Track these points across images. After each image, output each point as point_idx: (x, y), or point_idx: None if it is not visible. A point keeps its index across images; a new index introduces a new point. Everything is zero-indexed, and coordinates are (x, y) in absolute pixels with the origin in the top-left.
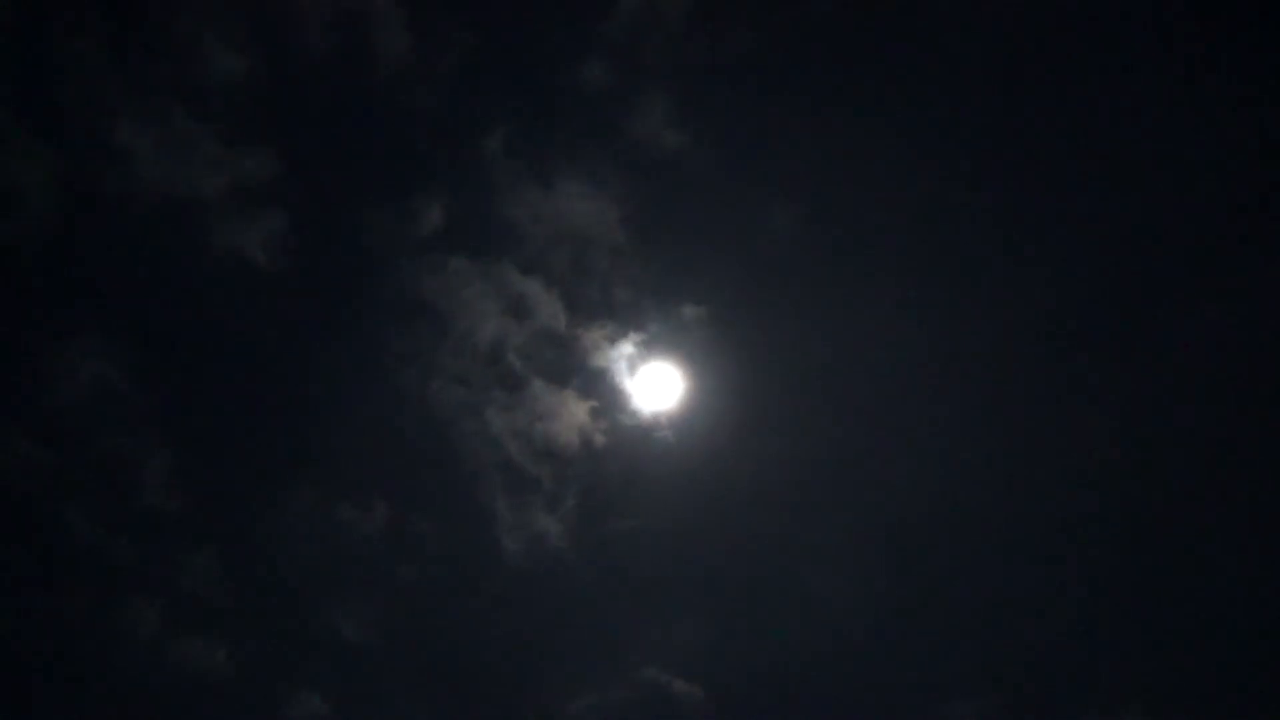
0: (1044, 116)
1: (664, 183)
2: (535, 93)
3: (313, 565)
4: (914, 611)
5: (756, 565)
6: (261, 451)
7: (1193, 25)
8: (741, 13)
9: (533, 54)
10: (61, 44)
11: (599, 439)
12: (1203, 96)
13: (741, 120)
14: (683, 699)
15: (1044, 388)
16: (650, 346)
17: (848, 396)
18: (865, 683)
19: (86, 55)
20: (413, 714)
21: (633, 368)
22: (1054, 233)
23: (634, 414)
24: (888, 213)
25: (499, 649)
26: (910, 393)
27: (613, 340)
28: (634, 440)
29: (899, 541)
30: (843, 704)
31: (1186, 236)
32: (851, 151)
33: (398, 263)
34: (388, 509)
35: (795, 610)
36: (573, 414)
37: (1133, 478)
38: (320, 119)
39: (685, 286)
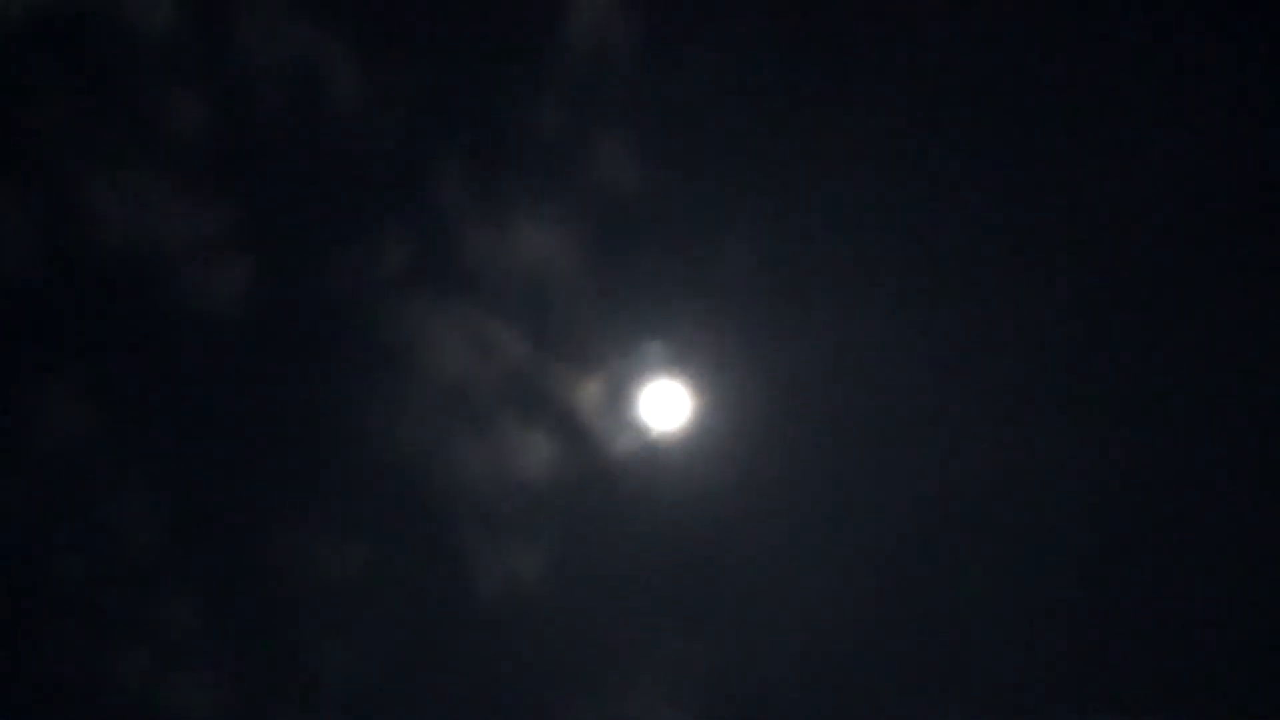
0: (1023, 134)
1: (624, 221)
2: (490, 135)
3: (294, 606)
4: (916, 634)
5: (741, 595)
6: (238, 495)
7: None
8: (693, 52)
9: (486, 97)
10: (25, 100)
11: (571, 474)
12: (1203, 113)
13: (699, 158)
14: None
15: (1045, 403)
16: (619, 382)
17: (825, 422)
18: (865, 709)
19: (47, 111)
20: None
21: (601, 403)
22: (1041, 248)
23: (606, 449)
24: (854, 247)
25: (481, 686)
26: (892, 433)
27: (579, 376)
28: (607, 474)
29: (896, 562)
30: None
31: (1186, 257)
32: (816, 181)
33: (362, 305)
34: (365, 549)
35: (788, 635)
36: (542, 450)
37: (1135, 493)
38: (279, 167)
39: (649, 322)
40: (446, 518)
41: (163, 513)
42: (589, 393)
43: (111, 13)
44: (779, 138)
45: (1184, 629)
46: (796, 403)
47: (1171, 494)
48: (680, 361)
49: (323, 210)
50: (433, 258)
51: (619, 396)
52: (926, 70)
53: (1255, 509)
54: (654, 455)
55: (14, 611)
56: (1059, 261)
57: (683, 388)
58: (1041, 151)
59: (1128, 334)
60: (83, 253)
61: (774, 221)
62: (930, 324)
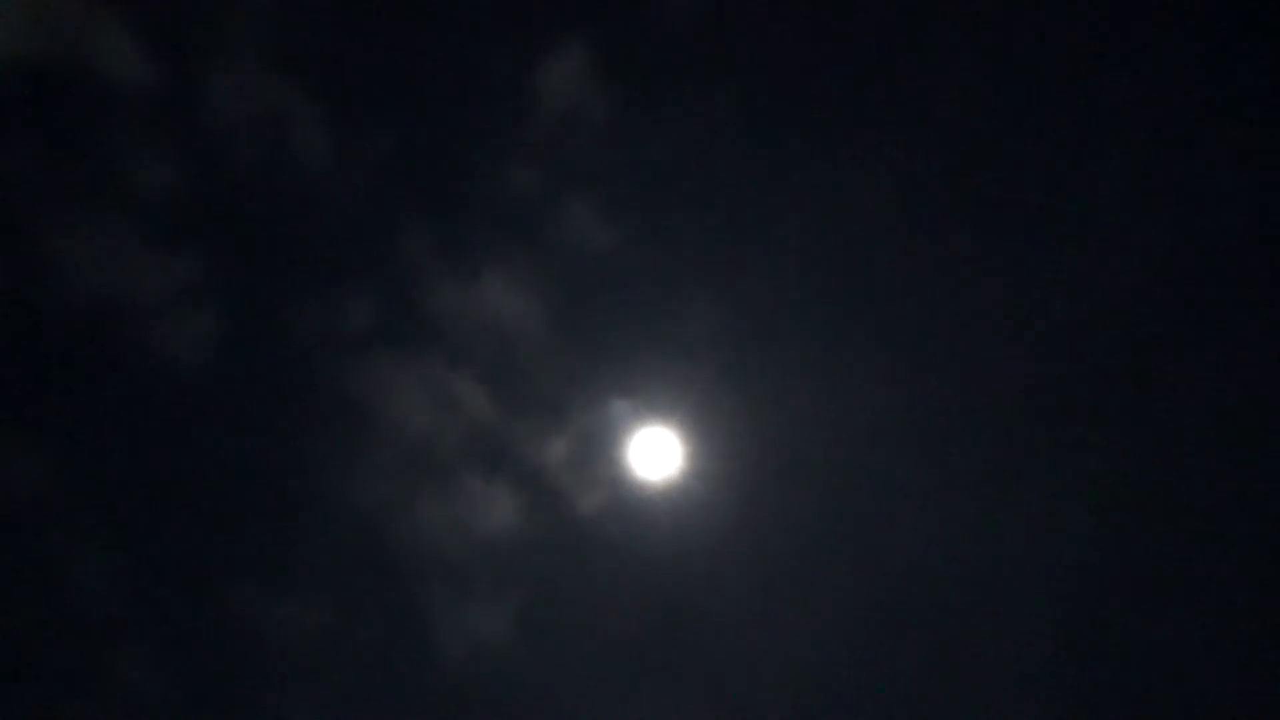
0: (991, 196)
1: (592, 279)
2: (458, 193)
3: (253, 666)
4: (901, 694)
5: (713, 658)
6: (198, 551)
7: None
8: (662, 118)
9: (455, 156)
10: None
11: (538, 531)
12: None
13: (668, 219)
14: None
15: (1042, 459)
16: (586, 438)
17: (794, 477)
18: None
19: (15, 164)
20: None
21: (568, 459)
22: (1012, 300)
23: (573, 505)
24: (821, 309)
25: None
26: (869, 491)
27: (546, 433)
28: (575, 531)
29: (879, 622)
30: None
31: (1187, 303)
32: (783, 241)
33: (327, 361)
34: (326, 608)
35: (767, 700)
36: (508, 507)
37: (1135, 550)
38: (246, 222)
39: (616, 379)
40: (410, 577)
41: (121, 567)
42: (556, 449)
43: (82, 65)
44: (747, 199)
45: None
46: (768, 459)
47: (1152, 575)
48: (648, 418)
49: (289, 266)
50: (398, 314)
51: (586, 452)
52: (895, 132)
53: (1233, 586)
54: (623, 511)
55: None
56: (1034, 315)
57: (651, 444)
58: (1015, 213)
59: (1113, 401)
60: (47, 305)
61: (741, 281)
62: (899, 384)
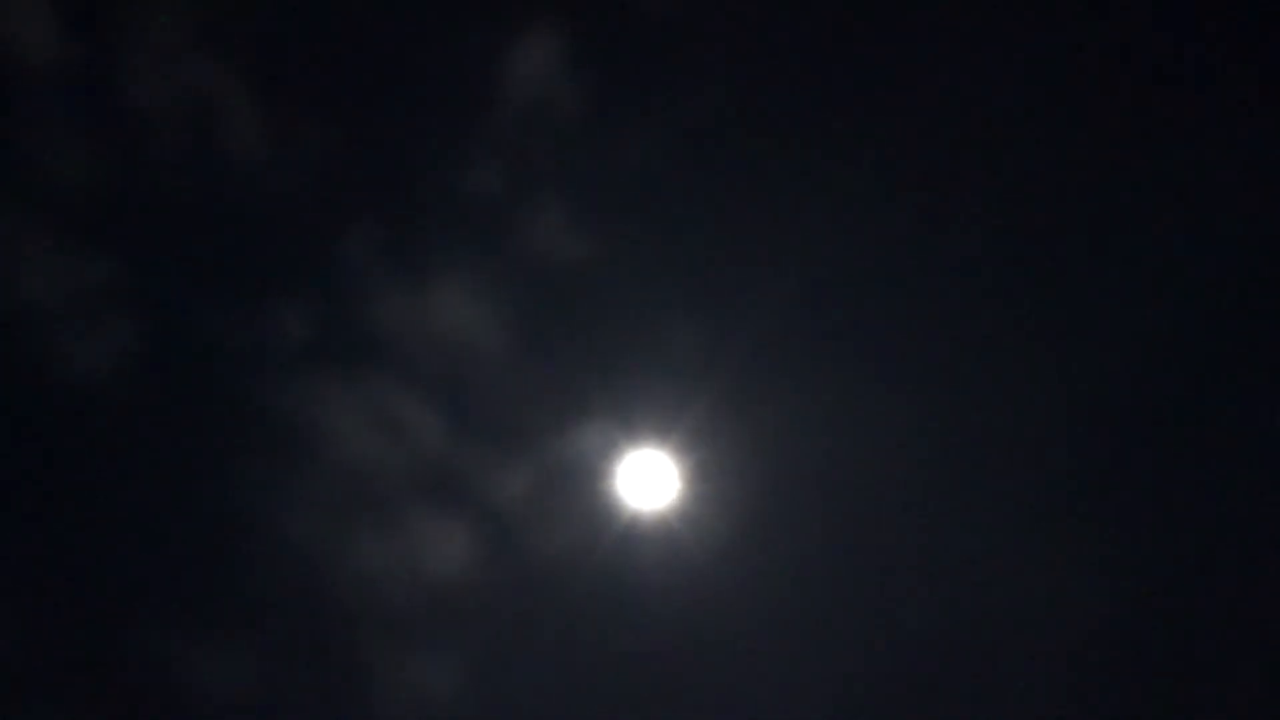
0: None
1: (560, 293)
2: (411, 192)
3: (168, 717)
4: None
5: (712, 704)
6: (107, 590)
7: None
8: (644, 109)
9: (408, 151)
10: None
11: (492, 574)
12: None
13: (650, 225)
14: None
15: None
16: (548, 471)
17: (776, 514)
18: None
19: None
20: None
21: (529, 494)
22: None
23: (533, 545)
24: (814, 327)
25: None
26: (869, 523)
27: (503, 464)
28: (535, 574)
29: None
30: None
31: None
32: (775, 256)
33: (256, 377)
34: (250, 657)
35: None
36: (459, 546)
37: (1137, 617)
38: (167, 219)
39: (584, 405)
40: (346, 622)
41: (13, 606)
42: (517, 480)
43: None
44: (738, 203)
45: None
46: (752, 496)
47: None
48: (628, 442)
49: (214, 269)
50: (337, 326)
51: (554, 483)
52: (904, 129)
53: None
54: (603, 546)
55: None
56: (1039, 339)
57: (636, 470)
58: (1038, 219)
59: (1130, 437)
60: None
61: (727, 298)
62: (918, 398)
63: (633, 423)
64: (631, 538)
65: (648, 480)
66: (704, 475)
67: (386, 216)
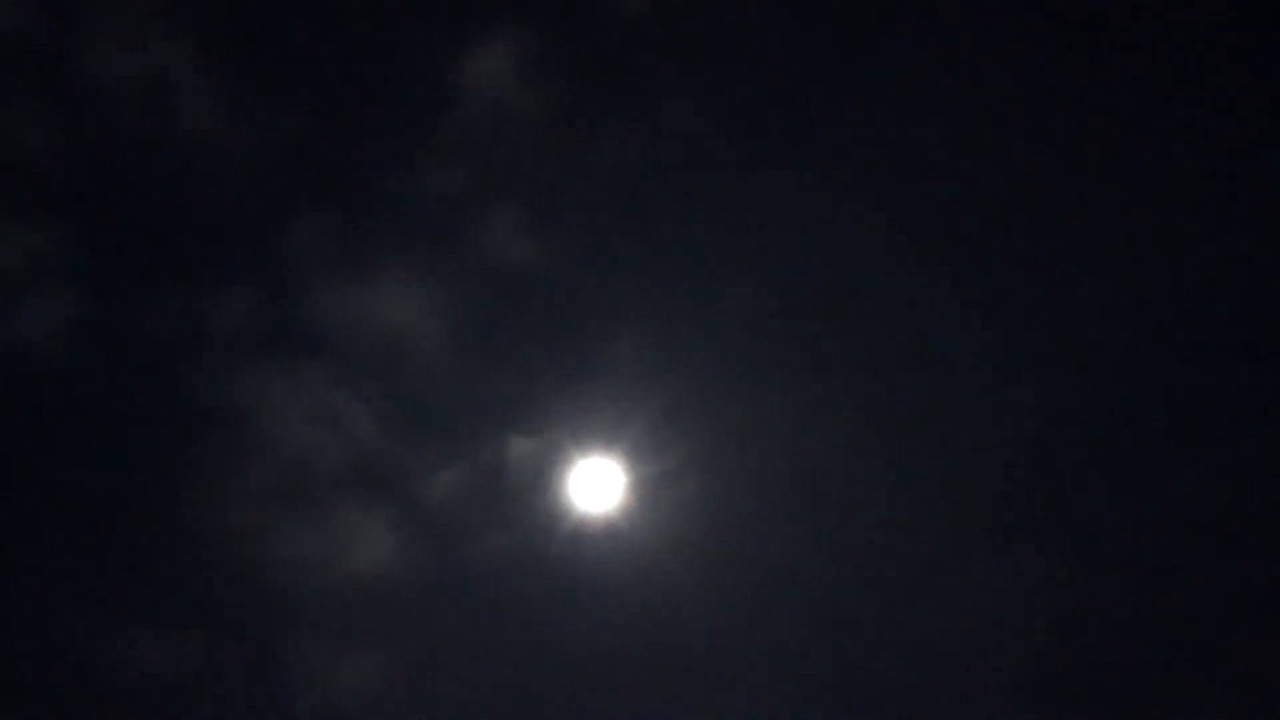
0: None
1: (508, 298)
2: (362, 185)
3: (86, 705)
4: None
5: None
6: (27, 573)
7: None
8: (606, 116)
9: (362, 143)
10: None
11: (419, 571)
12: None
13: (599, 237)
14: None
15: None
16: (481, 471)
17: (708, 521)
18: None
19: None
20: None
21: (461, 493)
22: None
23: (462, 544)
24: (764, 338)
25: None
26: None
27: (437, 462)
28: (463, 573)
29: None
30: None
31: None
32: (723, 267)
33: (193, 361)
34: (171, 645)
35: None
36: (387, 542)
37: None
38: (116, 192)
39: (523, 408)
40: (271, 612)
41: None
42: (448, 483)
43: None
44: (696, 213)
45: None
46: (686, 505)
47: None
48: (567, 456)
49: (159, 248)
50: (280, 315)
51: (485, 490)
52: (839, 158)
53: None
54: (533, 554)
55: None
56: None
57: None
58: (1015, 237)
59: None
60: None
61: (675, 308)
62: (869, 405)
63: (581, 430)
64: (578, 540)
65: (596, 486)
66: (650, 481)
67: (338, 209)
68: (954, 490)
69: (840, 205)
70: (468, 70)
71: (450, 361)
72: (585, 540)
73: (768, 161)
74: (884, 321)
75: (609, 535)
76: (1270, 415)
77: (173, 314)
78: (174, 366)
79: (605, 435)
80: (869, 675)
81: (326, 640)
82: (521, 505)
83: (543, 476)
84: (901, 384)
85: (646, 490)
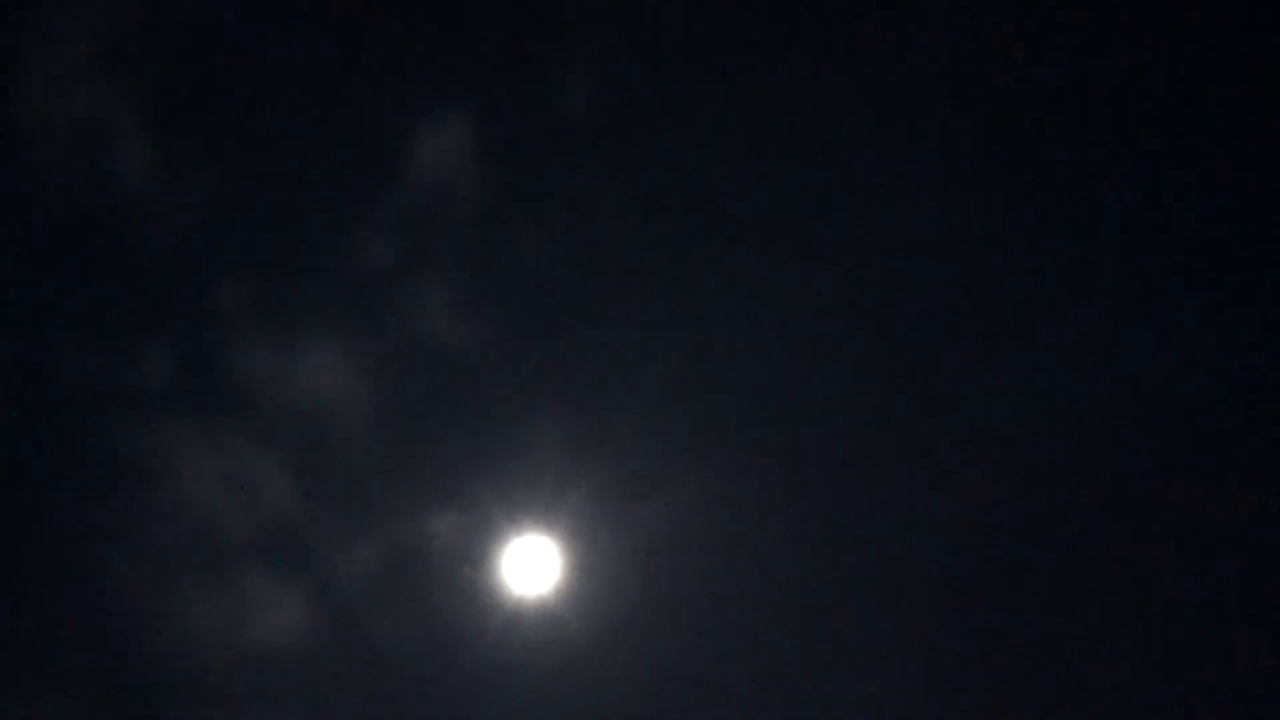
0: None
1: (435, 376)
2: (294, 247)
3: None
4: None
5: None
6: None
7: None
8: (544, 205)
9: (297, 205)
10: None
11: (327, 647)
12: None
13: (530, 321)
14: None
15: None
16: (396, 550)
17: (659, 597)
18: None
19: None
20: None
21: (374, 571)
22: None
23: (372, 622)
24: (685, 422)
25: None
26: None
27: (350, 539)
28: (372, 651)
29: None
30: None
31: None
32: (645, 356)
33: (104, 414)
34: (59, 703)
35: None
36: (296, 615)
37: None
38: (37, 238)
39: (438, 493)
40: (161, 680)
41: None
42: (362, 559)
43: None
44: (616, 309)
45: None
46: (633, 580)
47: None
48: (487, 530)
49: (82, 294)
50: (201, 374)
51: (401, 564)
52: (758, 261)
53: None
54: (445, 633)
55: None
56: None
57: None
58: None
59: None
60: None
61: (604, 393)
62: (797, 481)
63: (513, 508)
64: (513, 621)
65: (531, 565)
66: (586, 560)
67: (268, 271)
68: (898, 571)
69: (768, 292)
70: (415, 147)
71: (374, 434)
72: (520, 621)
73: (700, 253)
74: (818, 403)
75: (544, 616)
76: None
77: (88, 364)
78: (85, 418)
79: (539, 513)
80: None
81: (221, 714)
82: (446, 584)
83: (472, 554)
84: (835, 461)
85: (584, 569)
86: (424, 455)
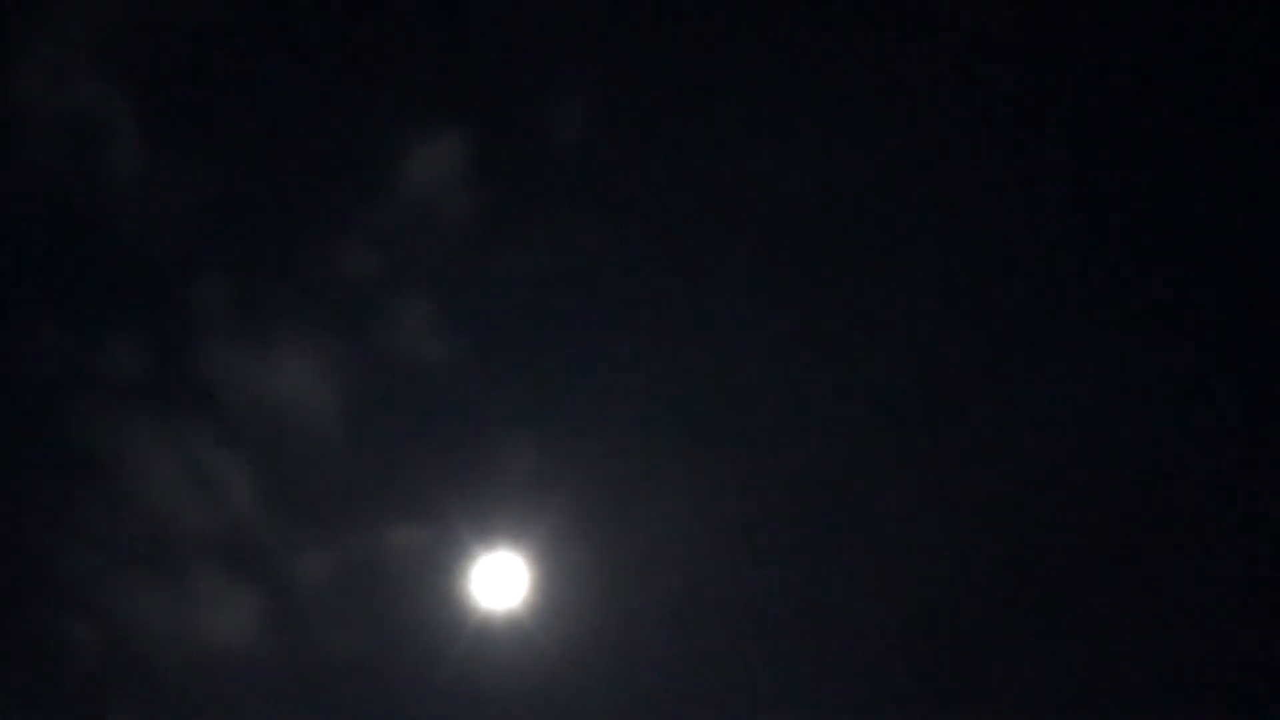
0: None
1: (407, 390)
2: (275, 251)
3: None
4: None
5: None
6: None
7: None
8: (526, 233)
9: (283, 210)
10: None
11: (276, 653)
12: None
13: (508, 340)
14: None
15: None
16: (354, 560)
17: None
18: None
19: None
20: None
21: (328, 580)
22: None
23: (322, 630)
24: (656, 442)
25: None
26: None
27: (307, 546)
28: (321, 658)
29: None
30: None
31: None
32: (622, 378)
33: (69, 403)
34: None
35: None
36: (247, 618)
37: None
38: (14, 224)
39: (405, 505)
40: (105, 677)
41: None
42: (319, 567)
43: None
44: (595, 332)
45: None
46: (601, 596)
47: None
48: (440, 552)
49: (58, 282)
50: (171, 369)
51: (355, 576)
52: (735, 282)
53: None
54: (393, 647)
55: None
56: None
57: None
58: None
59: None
60: None
61: (577, 414)
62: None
63: (481, 524)
64: (479, 637)
65: (500, 581)
66: (555, 577)
67: (247, 273)
68: (869, 587)
69: (742, 320)
70: (406, 162)
71: (342, 442)
72: (487, 636)
73: (675, 281)
74: (786, 425)
75: (512, 632)
76: None
77: (56, 352)
78: (49, 405)
79: (509, 530)
80: None
81: (169, 713)
82: (409, 597)
83: (438, 569)
84: (803, 480)
85: (553, 586)
86: (392, 467)
